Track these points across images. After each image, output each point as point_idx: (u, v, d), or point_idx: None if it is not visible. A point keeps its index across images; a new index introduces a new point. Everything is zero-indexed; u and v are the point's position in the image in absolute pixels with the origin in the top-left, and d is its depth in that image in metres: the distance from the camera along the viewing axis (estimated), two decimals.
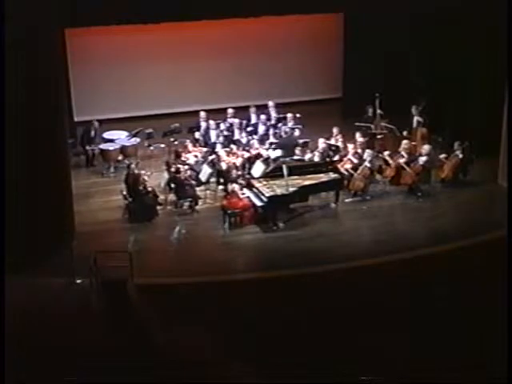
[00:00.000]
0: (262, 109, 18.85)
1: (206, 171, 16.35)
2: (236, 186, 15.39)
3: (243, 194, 15.29)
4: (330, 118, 18.90)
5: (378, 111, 18.27)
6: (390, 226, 15.25)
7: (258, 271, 13.61)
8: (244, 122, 18.40)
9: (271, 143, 17.80)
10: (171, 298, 12.26)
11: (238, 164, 16.84)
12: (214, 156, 17.03)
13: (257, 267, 13.90)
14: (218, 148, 17.51)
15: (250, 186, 15.72)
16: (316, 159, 16.86)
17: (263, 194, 15.18)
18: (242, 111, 18.68)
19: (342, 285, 12.67)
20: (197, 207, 15.73)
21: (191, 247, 14.43)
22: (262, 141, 17.98)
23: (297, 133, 18.03)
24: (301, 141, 17.70)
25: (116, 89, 19.69)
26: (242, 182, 15.84)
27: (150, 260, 13.78)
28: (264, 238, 14.68)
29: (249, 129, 18.54)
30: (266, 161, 16.71)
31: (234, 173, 16.24)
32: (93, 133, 17.96)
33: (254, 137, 18.12)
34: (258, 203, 15.14)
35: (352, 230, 15.14)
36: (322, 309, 11.75)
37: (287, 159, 16.45)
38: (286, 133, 18.07)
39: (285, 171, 15.28)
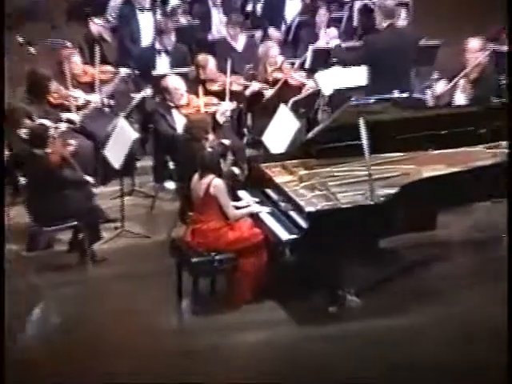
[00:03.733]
0: None
1: (127, 137, 10.30)
2: (255, 206, 10.09)
3: (262, 219, 9.94)
4: None
5: None
6: None
7: None
8: None
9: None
10: None
11: (222, 118, 10.95)
12: (147, 92, 11.10)
13: None
14: (164, 69, 11.80)
15: (256, 186, 9.97)
16: (460, 102, 11.17)
17: (298, 207, 9.26)
18: None
19: None
20: (97, 245, 10.04)
21: (78, 355, 9.14)
22: (295, 45, 12.47)
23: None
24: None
25: None
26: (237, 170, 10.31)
27: None
28: (295, 341, 8.97)
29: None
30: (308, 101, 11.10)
31: (211, 145, 9.95)
32: None
33: (275, 33, 12.64)
34: (284, 234, 9.20)
35: None
36: None
37: (371, 100, 10.40)
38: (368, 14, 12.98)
39: (364, 138, 8.94)
